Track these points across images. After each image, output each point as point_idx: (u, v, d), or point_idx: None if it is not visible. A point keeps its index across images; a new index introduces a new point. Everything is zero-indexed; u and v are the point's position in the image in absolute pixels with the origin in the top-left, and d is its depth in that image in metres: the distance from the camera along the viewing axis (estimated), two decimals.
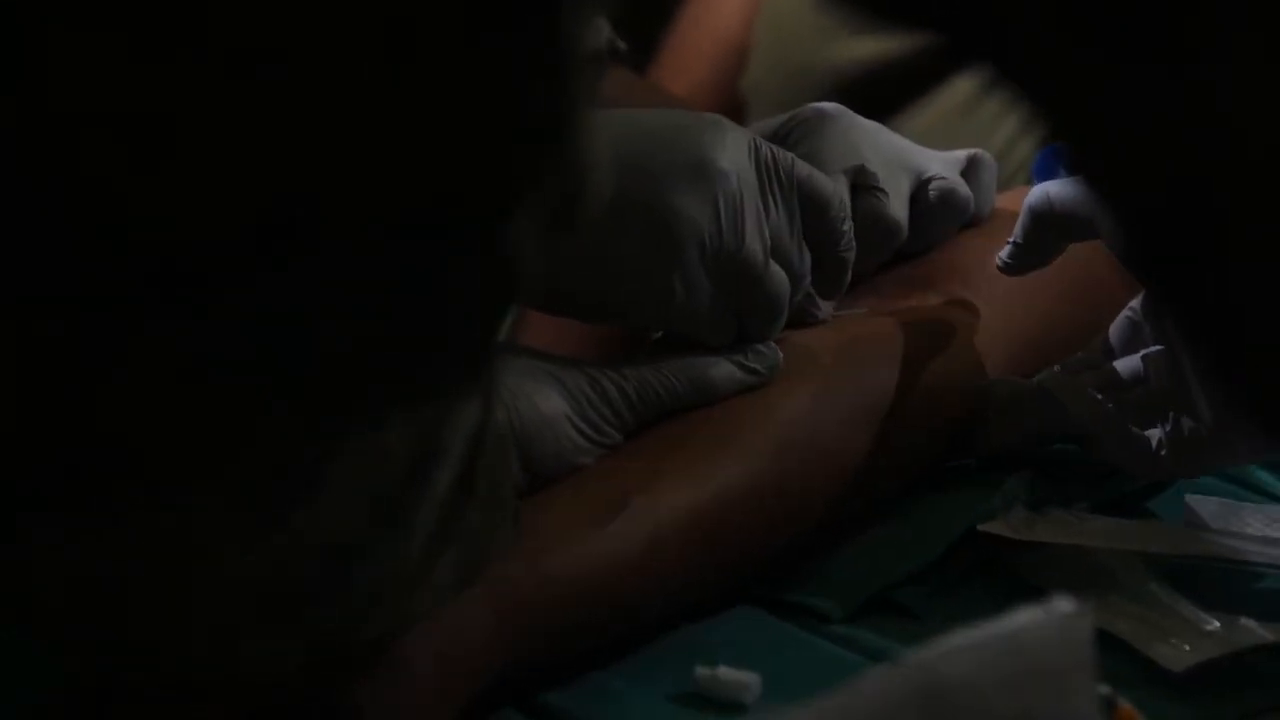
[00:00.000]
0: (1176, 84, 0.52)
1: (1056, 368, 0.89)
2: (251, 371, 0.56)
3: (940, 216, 0.96)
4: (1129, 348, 0.87)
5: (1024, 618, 0.60)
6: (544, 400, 0.79)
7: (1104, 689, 0.66)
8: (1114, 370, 0.87)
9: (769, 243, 0.84)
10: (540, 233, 0.58)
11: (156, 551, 0.58)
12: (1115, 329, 0.88)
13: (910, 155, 0.95)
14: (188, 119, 0.53)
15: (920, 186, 0.95)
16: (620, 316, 0.85)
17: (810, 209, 0.86)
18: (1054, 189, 0.87)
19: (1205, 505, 0.87)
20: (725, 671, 0.75)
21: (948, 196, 0.95)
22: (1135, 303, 0.88)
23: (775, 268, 0.84)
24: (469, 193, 0.56)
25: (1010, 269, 0.90)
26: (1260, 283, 0.54)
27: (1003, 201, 1.00)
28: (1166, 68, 0.52)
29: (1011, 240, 0.89)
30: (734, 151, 0.83)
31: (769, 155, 0.85)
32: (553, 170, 0.57)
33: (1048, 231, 0.88)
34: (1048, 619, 0.60)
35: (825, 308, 0.90)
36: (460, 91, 0.55)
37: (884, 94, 1.43)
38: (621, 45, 1.21)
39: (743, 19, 1.66)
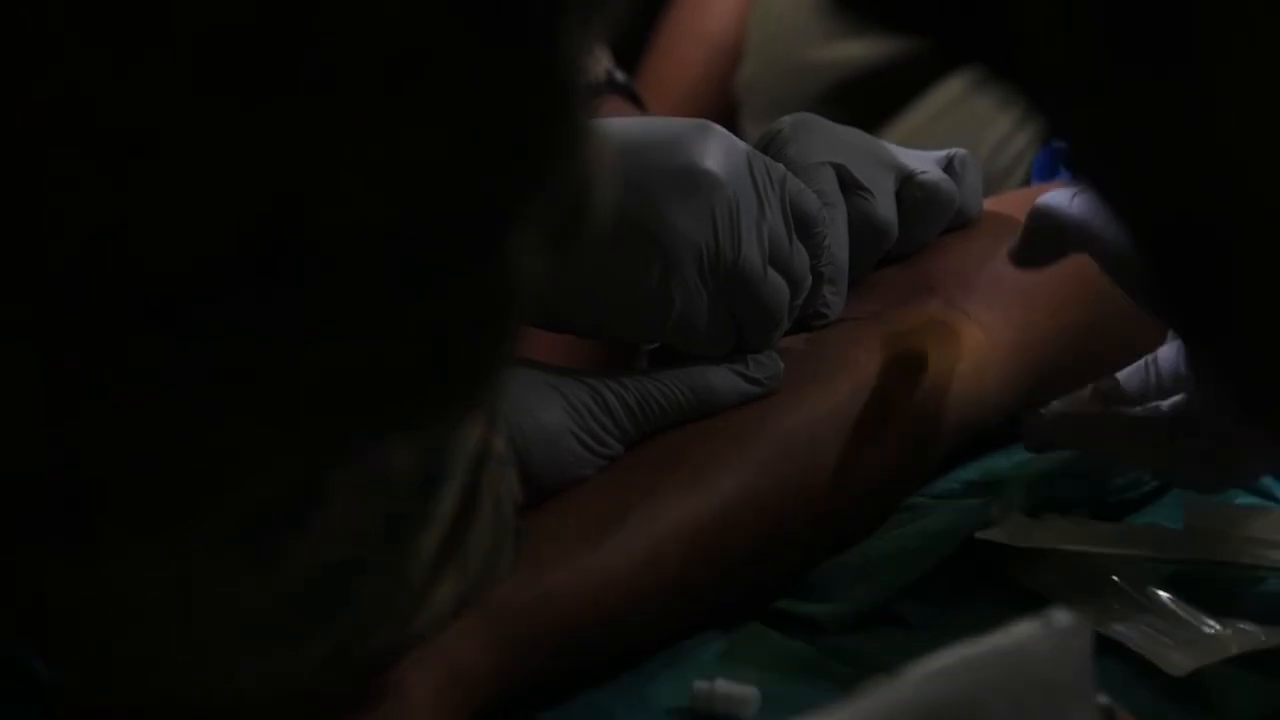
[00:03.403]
0: (1180, 87, 0.50)
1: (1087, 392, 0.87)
2: (247, 396, 0.55)
3: (926, 214, 0.93)
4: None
5: (1023, 630, 0.60)
6: (544, 412, 0.79)
7: (1104, 700, 0.66)
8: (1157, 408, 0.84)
9: (767, 249, 0.83)
10: (543, 251, 0.57)
11: (154, 578, 0.58)
12: (1132, 375, 0.86)
13: (891, 154, 0.93)
14: (171, 131, 0.52)
15: (904, 184, 0.93)
16: (618, 331, 0.84)
17: (796, 227, 0.85)
18: (1057, 199, 0.85)
19: (1204, 508, 0.87)
20: (723, 685, 0.75)
21: (932, 193, 0.93)
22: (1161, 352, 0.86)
23: (774, 275, 0.84)
24: (466, 209, 0.55)
25: (1018, 263, 0.88)
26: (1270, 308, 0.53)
27: (1002, 205, 0.99)
28: (1172, 70, 0.50)
29: (1016, 245, 0.87)
30: (727, 157, 0.83)
31: (763, 163, 0.84)
32: (553, 187, 0.56)
33: (1048, 240, 0.86)
34: (1047, 632, 0.60)
35: (834, 306, 0.89)
36: (458, 107, 0.54)
37: (878, 94, 1.42)
38: (620, 76, 1.21)
39: (733, 18, 1.65)
